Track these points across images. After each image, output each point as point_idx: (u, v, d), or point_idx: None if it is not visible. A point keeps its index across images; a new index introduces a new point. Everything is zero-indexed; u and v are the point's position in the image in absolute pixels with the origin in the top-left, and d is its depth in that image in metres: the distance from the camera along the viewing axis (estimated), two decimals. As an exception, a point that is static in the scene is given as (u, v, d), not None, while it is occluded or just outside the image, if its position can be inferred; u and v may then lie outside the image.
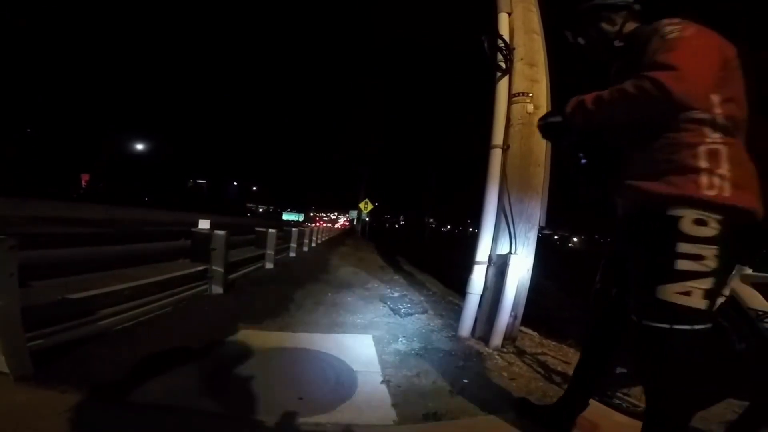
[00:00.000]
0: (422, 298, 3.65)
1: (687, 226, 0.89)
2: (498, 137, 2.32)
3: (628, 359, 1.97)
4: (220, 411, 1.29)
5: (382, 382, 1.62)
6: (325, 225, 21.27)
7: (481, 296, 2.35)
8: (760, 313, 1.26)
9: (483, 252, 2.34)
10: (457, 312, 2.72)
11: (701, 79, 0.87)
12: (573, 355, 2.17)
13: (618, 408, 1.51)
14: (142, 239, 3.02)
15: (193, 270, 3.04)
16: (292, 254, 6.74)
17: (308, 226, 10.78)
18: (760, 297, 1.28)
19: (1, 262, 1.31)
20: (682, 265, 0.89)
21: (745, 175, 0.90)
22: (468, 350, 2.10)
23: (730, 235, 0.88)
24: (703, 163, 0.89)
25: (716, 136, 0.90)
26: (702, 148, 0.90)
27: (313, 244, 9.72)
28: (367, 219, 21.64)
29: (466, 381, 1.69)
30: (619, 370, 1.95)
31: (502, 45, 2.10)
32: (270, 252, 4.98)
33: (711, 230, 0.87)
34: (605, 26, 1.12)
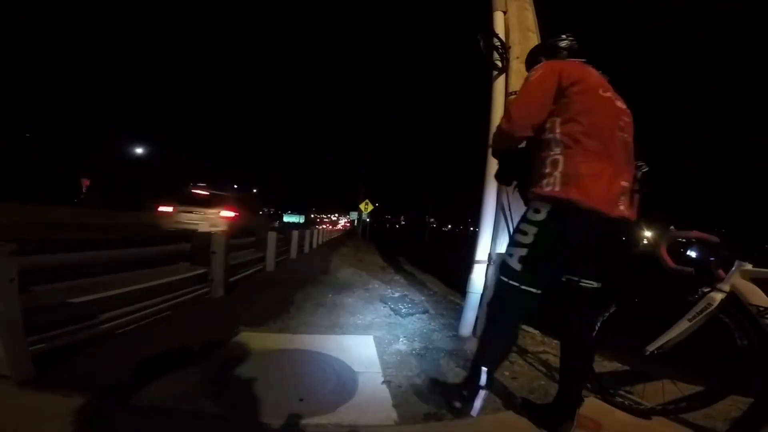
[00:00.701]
0: (423, 298, 3.64)
1: (529, 213, 1.25)
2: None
3: (627, 359, 1.97)
4: (221, 413, 1.29)
5: (383, 382, 1.62)
6: (326, 226, 21.29)
7: (482, 295, 2.35)
8: (761, 309, 1.25)
9: (483, 251, 2.34)
10: (458, 311, 2.71)
11: (522, 119, 1.24)
12: (575, 354, 2.17)
13: (620, 406, 1.50)
14: (141, 243, 3.02)
15: (193, 273, 3.04)
16: (293, 256, 6.75)
17: (310, 227, 10.78)
18: (761, 293, 1.28)
19: (1, 268, 1.31)
20: (516, 237, 1.27)
21: (575, 175, 1.14)
22: (469, 349, 2.09)
23: (553, 220, 1.17)
24: (548, 170, 1.19)
25: (557, 150, 1.19)
26: (548, 159, 1.20)
27: (314, 246, 9.73)
28: (368, 220, 21.62)
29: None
30: (621, 368, 1.95)
31: (498, 44, 2.10)
32: (271, 254, 4.99)
33: (540, 216, 1.20)
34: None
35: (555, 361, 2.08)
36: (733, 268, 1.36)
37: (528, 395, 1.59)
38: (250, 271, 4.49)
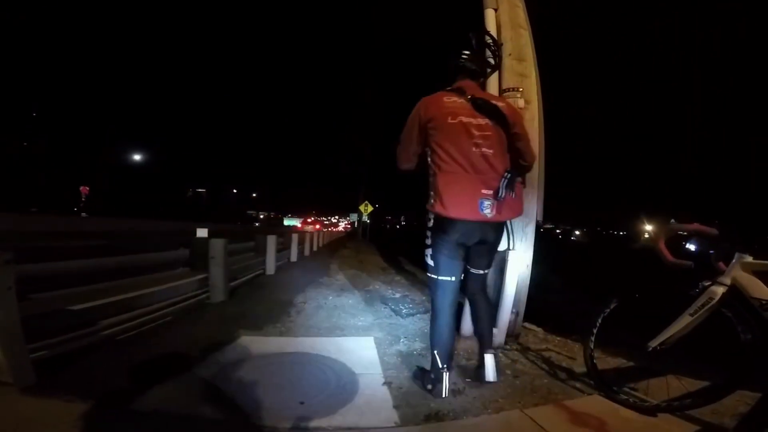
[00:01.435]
0: (424, 298, 3.63)
1: (428, 222, 1.56)
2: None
3: (630, 355, 1.95)
4: (222, 417, 1.29)
5: (384, 384, 1.61)
6: (321, 228, 21.20)
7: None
8: (764, 302, 1.24)
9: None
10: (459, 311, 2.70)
11: (401, 157, 1.61)
12: (578, 351, 2.15)
13: (624, 403, 1.48)
14: (142, 250, 3.02)
15: (193, 278, 3.04)
16: (294, 259, 6.74)
17: (306, 231, 10.91)
18: (763, 286, 1.26)
19: (-1, 277, 1.31)
20: (425, 240, 1.57)
21: (440, 194, 1.44)
22: (470, 349, 2.08)
23: (438, 226, 1.50)
24: (430, 190, 1.50)
25: (432, 174, 1.50)
26: (430, 180, 1.50)
27: (315, 248, 9.73)
28: (368, 221, 21.58)
29: (468, 380, 1.67)
30: (624, 364, 1.93)
31: (490, 41, 2.10)
32: (270, 258, 4.99)
33: (431, 224, 1.54)
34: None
35: (558, 358, 2.07)
36: (734, 261, 1.34)
37: (531, 394, 1.58)
38: (251, 275, 4.49)
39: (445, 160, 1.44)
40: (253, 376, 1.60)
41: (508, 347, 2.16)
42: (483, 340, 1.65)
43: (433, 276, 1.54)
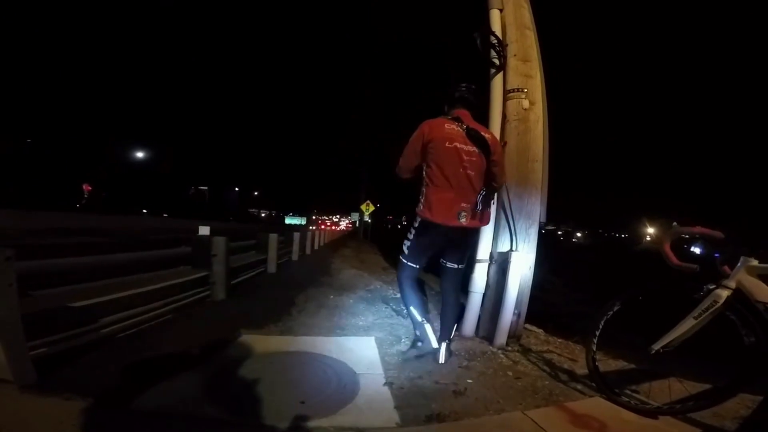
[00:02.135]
0: (425, 298, 3.62)
1: (414, 221, 1.90)
2: (494, 134, 2.30)
3: (633, 357, 1.94)
4: (222, 416, 1.28)
5: (385, 384, 1.61)
6: (327, 228, 21.23)
7: (484, 294, 2.33)
8: (768, 305, 1.23)
9: (484, 250, 2.32)
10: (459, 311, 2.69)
11: (402, 168, 1.92)
12: (579, 352, 2.14)
13: (626, 405, 1.48)
14: (143, 248, 3.02)
15: (194, 276, 3.04)
16: (295, 258, 6.75)
17: (311, 228, 10.94)
18: (768, 289, 1.25)
19: (0, 273, 1.31)
20: (407, 234, 1.94)
21: (429, 202, 1.79)
22: (472, 350, 2.07)
23: (423, 226, 1.85)
24: (421, 198, 1.85)
25: (424, 185, 1.84)
26: (423, 190, 1.84)
27: (316, 247, 9.74)
28: (369, 220, 21.57)
29: (470, 381, 1.67)
30: (626, 367, 1.92)
31: (495, 41, 2.10)
32: (272, 256, 4.99)
33: (416, 224, 1.88)
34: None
35: (560, 360, 2.06)
36: (739, 264, 1.33)
37: (533, 394, 1.57)
38: (252, 273, 4.49)
39: (437, 176, 1.78)
40: (255, 375, 1.60)
41: (509, 348, 2.15)
42: (443, 332, 1.95)
43: (404, 261, 1.95)
